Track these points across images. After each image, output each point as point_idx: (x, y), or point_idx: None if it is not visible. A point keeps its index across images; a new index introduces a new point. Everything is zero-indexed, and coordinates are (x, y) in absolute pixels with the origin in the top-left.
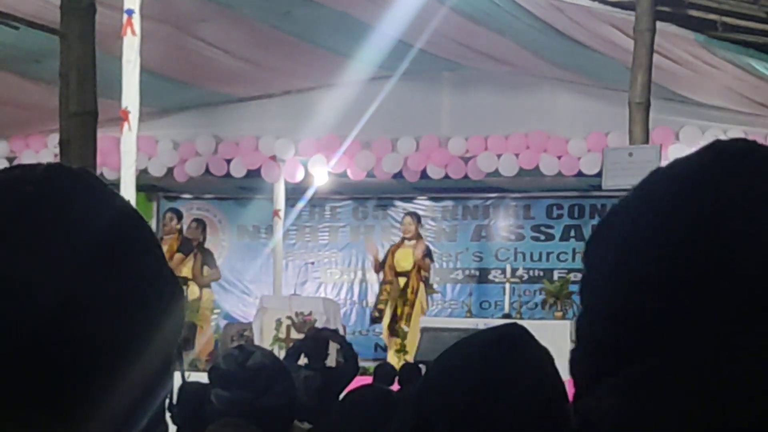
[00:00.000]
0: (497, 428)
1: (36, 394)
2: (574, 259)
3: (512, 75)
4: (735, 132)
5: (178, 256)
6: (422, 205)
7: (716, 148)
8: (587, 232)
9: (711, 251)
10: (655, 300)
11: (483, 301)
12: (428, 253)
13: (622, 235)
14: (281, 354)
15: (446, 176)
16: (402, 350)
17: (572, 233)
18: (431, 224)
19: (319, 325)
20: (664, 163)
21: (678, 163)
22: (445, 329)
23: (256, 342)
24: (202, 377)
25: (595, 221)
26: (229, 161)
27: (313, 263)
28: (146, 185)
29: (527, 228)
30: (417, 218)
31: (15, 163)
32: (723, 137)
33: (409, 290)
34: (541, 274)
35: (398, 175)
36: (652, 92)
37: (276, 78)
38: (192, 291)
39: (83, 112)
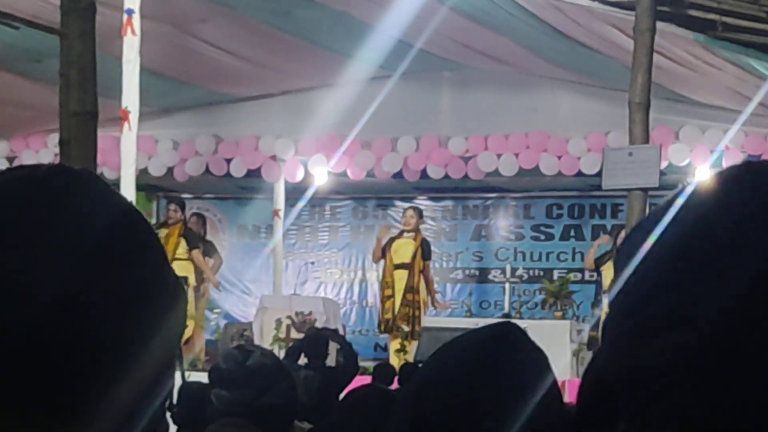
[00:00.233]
0: (494, 426)
1: (36, 394)
2: (573, 258)
3: (512, 75)
4: (734, 132)
5: (184, 245)
6: (422, 204)
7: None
8: (587, 232)
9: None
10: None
11: (483, 300)
12: (426, 249)
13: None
14: (281, 354)
15: (446, 176)
16: (402, 350)
17: (572, 233)
18: (431, 224)
19: (319, 324)
20: (663, 163)
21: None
22: (445, 329)
23: (256, 342)
24: (203, 377)
25: (595, 221)
26: (229, 161)
27: (313, 263)
28: (146, 185)
29: (527, 228)
30: (419, 213)
31: (15, 163)
32: (722, 137)
33: (412, 289)
34: (541, 273)
35: (398, 175)
36: (652, 92)
37: (276, 78)
38: (207, 277)
39: (83, 112)
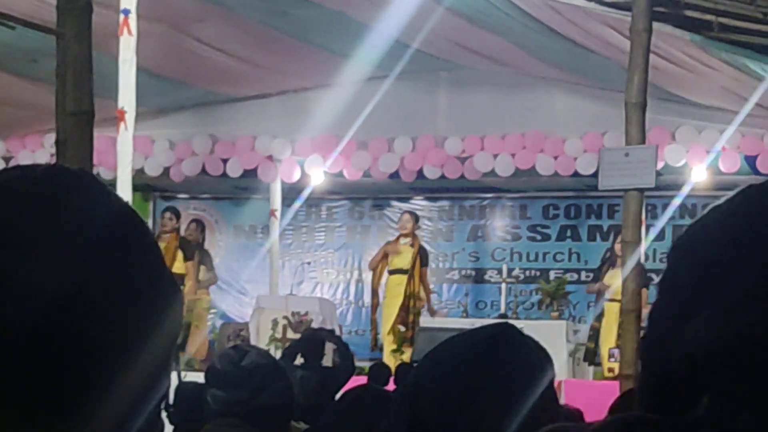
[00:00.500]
0: (490, 427)
1: (35, 393)
2: (570, 259)
3: (509, 75)
4: (731, 132)
5: (180, 258)
6: (418, 205)
7: None
8: (583, 233)
9: None
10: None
11: (479, 301)
12: (424, 256)
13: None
14: (277, 354)
15: (443, 176)
16: (398, 350)
17: (568, 233)
18: (427, 224)
19: (315, 325)
20: (659, 163)
21: None
22: (441, 329)
23: (253, 342)
24: (199, 377)
25: (591, 221)
26: (225, 161)
27: (309, 263)
28: (142, 185)
29: (523, 228)
30: (415, 218)
31: (11, 163)
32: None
33: (413, 295)
34: (538, 274)
35: (394, 175)
36: (649, 92)
37: (272, 78)
38: (189, 291)
39: (80, 112)
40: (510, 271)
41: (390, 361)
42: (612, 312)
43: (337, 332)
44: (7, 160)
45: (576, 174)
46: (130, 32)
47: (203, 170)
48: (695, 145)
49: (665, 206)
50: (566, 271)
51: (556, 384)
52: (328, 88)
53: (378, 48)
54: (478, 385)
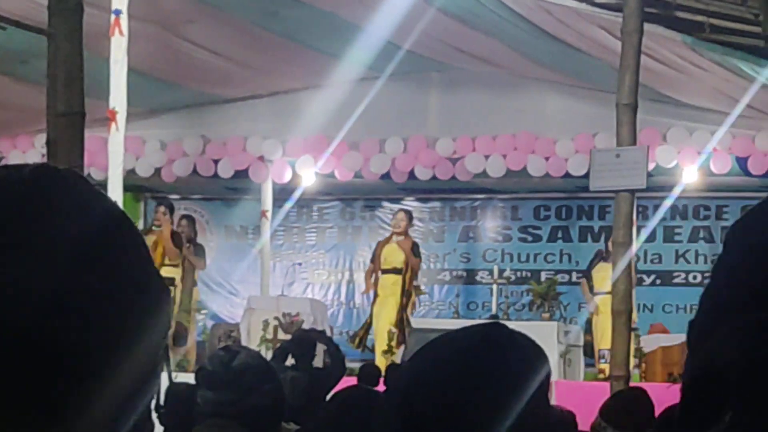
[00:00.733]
0: (483, 427)
1: (24, 394)
2: (561, 260)
3: (500, 76)
4: (722, 133)
5: (171, 249)
6: (410, 206)
7: None
8: (574, 233)
9: None
10: None
11: (470, 302)
12: (416, 251)
13: None
14: (268, 355)
15: (434, 177)
16: (389, 351)
17: (559, 234)
18: (419, 225)
19: (306, 325)
20: (651, 164)
21: None
22: (432, 330)
23: (244, 342)
24: (190, 378)
25: (582, 222)
26: (216, 162)
27: (300, 264)
28: (134, 185)
29: (515, 229)
30: (409, 216)
31: (2, 163)
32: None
33: (407, 293)
34: (529, 275)
35: (386, 176)
36: (640, 93)
37: (264, 78)
38: (182, 290)
39: (70, 113)
40: (501, 272)
41: (381, 362)
42: (606, 305)
43: (328, 333)
44: None
45: (567, 175)
46: (121, 33)
47: (194, 171)
48: (686, 146)
49: (656, 207)
50: (557, 272)
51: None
52: (319, 89)
53: (369, 49)
54: (468, 386)
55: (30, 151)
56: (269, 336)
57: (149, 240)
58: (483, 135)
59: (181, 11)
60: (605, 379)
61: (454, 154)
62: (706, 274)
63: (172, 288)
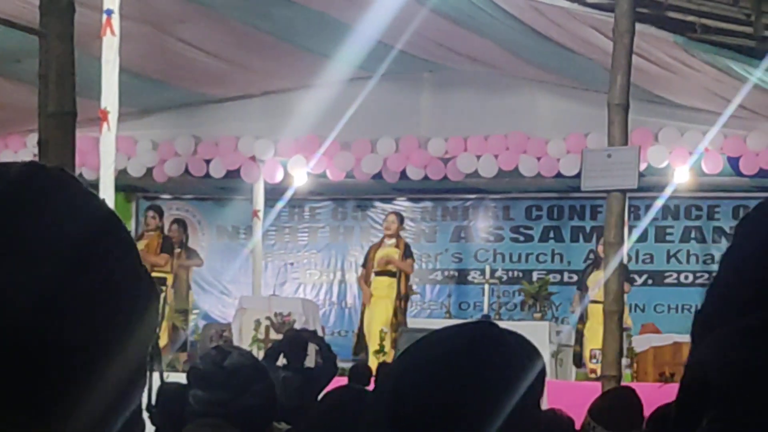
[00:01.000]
0: (472, 426)
1: (12, 394)
2: (553, 260)
3: (492, 76)
4: (714, 134)
5: (164, 256)
6: (402, 206)
7: None
8: (566, 233)
9: None
10: None
11: (462, 302)
12: (408, 253)
13: None
14: (260, 355)
15: (426, 177)
16: (381, 351)
17: (551, 234)
18: (411, 225)
19: (298, 325)
20: (642, 165)
21: None
22: (423, 330)
23: (235, 342)
24: (182, 378)
25: (574, 222)
26: (208, 161)
27: (292, 264)
28: (125, 185)
29: (506, 229)
30: (400, 218)
31: None
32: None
33: (401, 296)
34: (520, 275)
35: (378, 176)
36: (631, 94)
37: (255, 78)
38: (175, 293)
39: (62, 112)
40: (493, 272)
41: (374, 362)
42: (596, 314)
43: (320, 333)
44: None
45: (559, 175)
46: (113, 32)
47: (186, 171)
48: (678, 146)
49: (648, 207)
50: (549, 272)
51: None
52: (311, 89)
53: (361, 49)
54: (457, 385)
55: (21, 150)
56: (261, 336)
57: (140, 245)
58: (475, 135)
59: (172, 11)
60: (596, 379)
61: (446, 154)
62: (698, 274)
63: (163, 288)
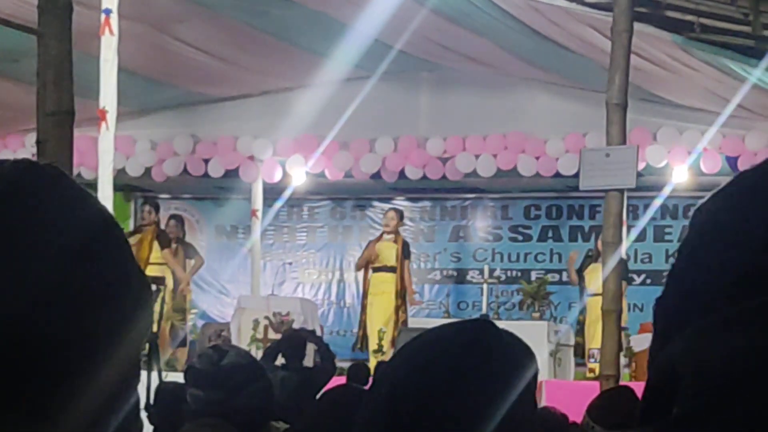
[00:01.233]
0: (469, 425)
1: (6, 393)
2: (551, 259)
3: (490, 76)
4: (712, 133)
5: (157, 248)
6: (400, 205)
7: None
8: (565, 233)
9: None
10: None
11: (461, 301)
12: (407, 253)
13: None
14: (258, 354)
15: (424, 177)
16: (379, 350)
17: (550, 234)
18: (409, 224)
19: (296, 325)
20: (641, 164)
21: None
22: (423, 330)
23: (234, 342)
24: (180, 377)
25: (572, 222)
26: (207, 161)
27: (290, 263)
28: (124, 185)
29: (505, 228)
30: (400, 215)
31: None
32: (700, 138)
33: (400, 293)
34: (519, 274)
35: (376, 176)
36: (630, 93)
37: (254, 78)
38: (179, 274)
39: (60, 112)
40: (491, 271)
41: (374, 361)
42: (594, 306)
43: (319, 333)
44: None
45: (557, 174)
46: (111, 32)
47: (185, 170)
48: (676, 145)
49: (646, 207)
50: (547, 271)
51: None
52: (309, 89)
53: (360, 48)
54: (454, 385)
55: (20, 150)
56: (259, 335)
57: (134, 239)
58: (473, 135)
59: (171, 11)
60: (595, 379)
61: (445, 153)
62: None
63: (162, 288)
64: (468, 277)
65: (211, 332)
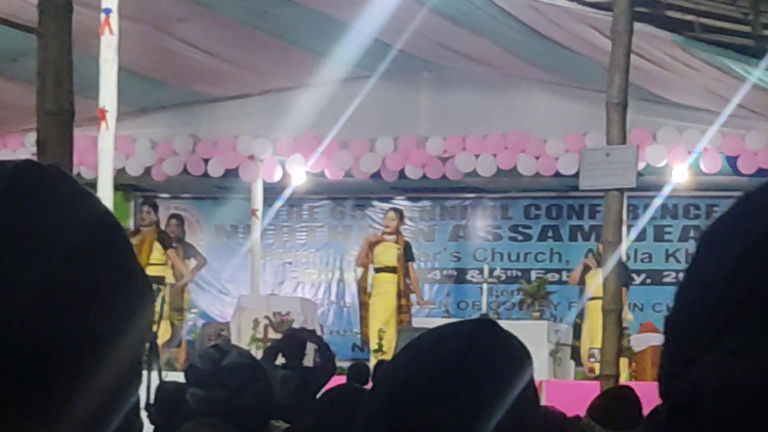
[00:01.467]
0: (471, 425)
1: (6, 391)
2: (551, 259)
3: (490, 75)
4: (712, 133)
5: (158, 248)
6: (400, 205)
7: None
8: (564, 233)
9: None
10: None
11: (461, 301)
12: (410, 256)
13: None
14: (259, 354)
15: (424, 176)
16: (379, 350)
17: (550, 233)
18: (409, 224)
19: (296, 324)
20: (641, 164)
21: None
22: (423, 329)
23: (234, 342)
24: (180, 377)
25: (572, 221)
26: (206, 161)
27: (290, 263)
28: (124, 184)
29: (505, 228)
30: (400, 215)
31: None
32: (700, 138)
33: (403, 293)
34: (519, 274)
35: (376, 175)
36: (630, 93)
37: (254, 77)
38: (182, 273)
39: (60, 111)
40: (491, 271)
41: (374, 361)
42: (594, 310)
43: (319, 332)
44: None
45: (557, 174)
46: (111, 31)
47: (184, 170)
48: (676, 145)
49: (646, 206)
50: (547, 271)
51: (537, 384)
52: (309, 88)
53: (360, 48)
54: (455, 387)
55: (20, 149)
56: (259, 335)
57: (135, 240)
58: (473, 134)
59: (171, 10)
60: (595, 378)
61: (445, 153)
62: None
63: (162, 287)
64: (468, 277)
65: (210, 332)
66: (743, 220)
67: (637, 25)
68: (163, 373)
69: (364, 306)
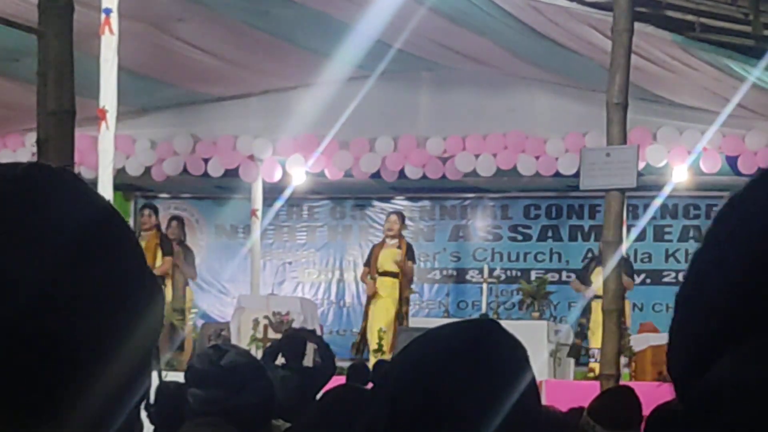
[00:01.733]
0: (473, 425)
1: (12, 392)
2: (551, 259)
3: (490, 75)
4: (712, 133)
5: (167, 259)
6: (400, 205)
7: None
8: (564, 233)
9: None
10: None
11: (460, 301)
12: (411, 256)
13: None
14: (258, 354)
15: (424, 176)
16: (379, 350)
17: (550, 233)
18: (409, 224)
19: (296, 324)
20: (641, 164)
21: None
22: (423, 329)
23: (234, 342)
24: (180, 377)
25: (572, 221)
26: (206, 160)
27: (290, 263)
28: (124, 184)
29: (505, 228)
30: (402, 218)
31: None
32: (700, 138)
33: (405, 300)
34: (519, 274)
35: (376, 175)
36: (630, 93)
37: (254, 77)
38: (176, 284)
39: (61, 111)
40: (491, 271)
41: (373, 361)
42: (599, 310)
43: (319, 332)
44: None
45: (557, 174)
46: (111, 31)
47: (184, 170)
48: (676, 145)
49: (647, 206)
50: (547, 271)
51: (537, 383)
52: (309, 88)
53: (360, 48)
54: (456, 386)
55: (20, 149)
56: (259, 335)
57: None
58: (473, 134)
59: (171, 10)
60: (595, 378)
61: (445, 153)
62: None
63: (162, 286)
64: (468, 277)
65: (210, 332)
66: (756, 219)
67: (637, 25)
68: (164, 374)
69: (365, 313)
